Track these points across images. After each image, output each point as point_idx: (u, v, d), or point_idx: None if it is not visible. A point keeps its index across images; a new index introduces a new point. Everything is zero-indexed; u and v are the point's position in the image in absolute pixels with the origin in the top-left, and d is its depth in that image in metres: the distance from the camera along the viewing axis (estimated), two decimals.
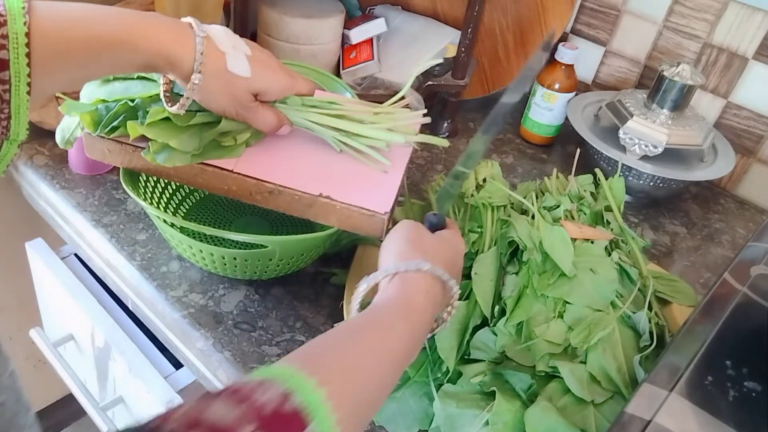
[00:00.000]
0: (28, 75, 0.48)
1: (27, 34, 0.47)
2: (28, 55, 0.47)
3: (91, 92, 0.64)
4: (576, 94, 1.00)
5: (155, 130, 0.60)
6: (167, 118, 0.60)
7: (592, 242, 0.66)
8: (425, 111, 0.68)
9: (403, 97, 0.68)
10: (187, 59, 0.55)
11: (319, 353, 0.40)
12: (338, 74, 1.00)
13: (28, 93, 0.48)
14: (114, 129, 0.62)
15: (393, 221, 0.63)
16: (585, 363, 0.57)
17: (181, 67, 0.56)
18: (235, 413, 0.31)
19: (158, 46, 0.54)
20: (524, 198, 0.71)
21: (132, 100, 0.62)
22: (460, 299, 0.62)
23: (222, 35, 0.58)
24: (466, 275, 0.64)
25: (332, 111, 0.65)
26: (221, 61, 0.58)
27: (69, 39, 0.51)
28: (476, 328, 0.60)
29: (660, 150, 0.87)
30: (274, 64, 0.62)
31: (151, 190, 0.73)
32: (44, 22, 0.49)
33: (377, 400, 0.43)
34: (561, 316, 0.60)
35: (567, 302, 0.60)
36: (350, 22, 1.04)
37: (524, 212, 0.70)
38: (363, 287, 0.50)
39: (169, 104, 0.60)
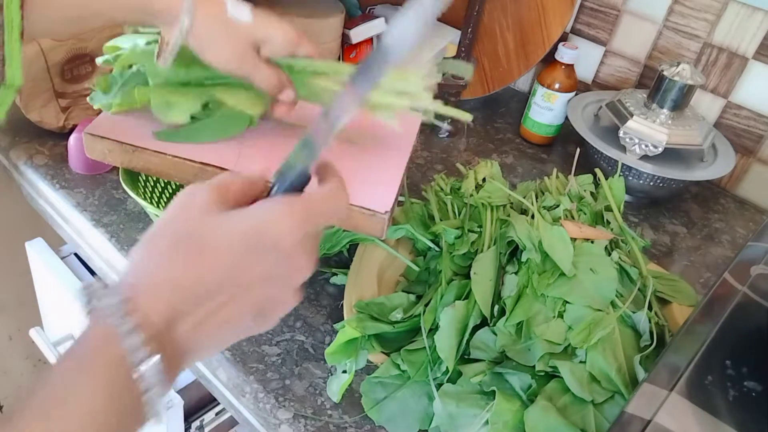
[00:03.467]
0: (21, 18, 0.47)
1: None
2: None
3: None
4: (576, 94, 1.00)
5: (160, 91, 0.60)
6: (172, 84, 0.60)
7: (592, 242, 0.66)
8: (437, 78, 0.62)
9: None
10: (176, 2, 0.53)
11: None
12: None
13: (21, 37, 0.48)
14: (125, 94, 0.63)
15: (393, 221, 0.63)
16: (585, 363, 0.57)
17: (172, 11, 0.53)
18: None
19: None
20: (524, 198, 0.71)
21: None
22: (459, 298, 0.62)
23: None
24: (464, 275, 0.64)
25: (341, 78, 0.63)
26: (219, 5, 0.55)
27: None
28: (476, 328, 0.60)
29: (660, 150, 0.87)
30: (279, 18, 0.59)
31: (150, 189, 0.73)
32: None
33: None
34: (561, 315, 0.60)
35: (567, 302, 0.60)
36: (350, 21, 1.04)
37: (524, 212, 0.70)
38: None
39: (158, 57, 0.58)
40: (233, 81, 0.62)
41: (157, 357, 0.30)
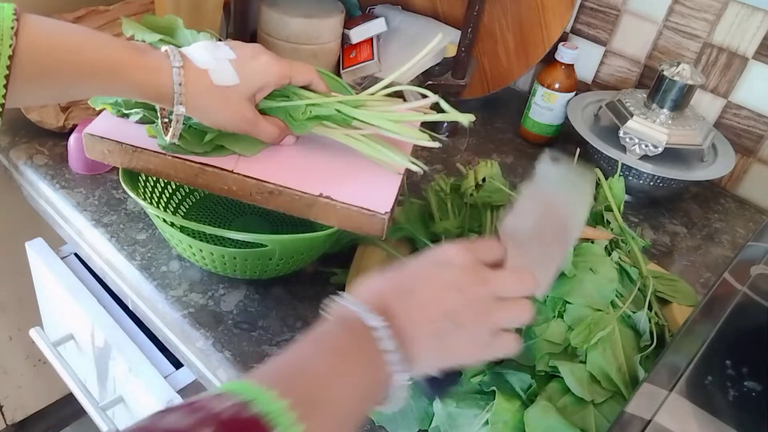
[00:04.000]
0: (4, 96, 0.48)
1: (10, 57, 0.48)
2: (7, 77, 0.48)
3: None
4: (576, 94, 1.00)
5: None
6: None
7: (592, 242, 0.66)
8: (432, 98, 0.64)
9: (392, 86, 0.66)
10: (167, 90, 0.55)
11: (278, 369, 0.38)
12: (338, 74, 1.00)
13: (2, 108, 0.49)
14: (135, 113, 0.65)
15: (393, 221, 0.63)
16: (585, 363, 0.57)
17: (167, 98, 0.56)
18: (191, 419, 0.31)
19: (143, 79, 0.55)
20: None
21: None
22: None
23: (201, 52, 0.58)
24: None
25: (339, 118, 0.64)
26: (205, 80, 0.57)
27: (57, 61, 0.51)
28: None
29: (660, 150, 0.87)
30: (263, 56, 0.61)
31: (150, 189, 0.73)
32: (37, 38, 0.50)
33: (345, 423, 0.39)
34: (561, 315, 0.60)
35: (567, 302, 0.60)
36: (350, 21, 1.04)
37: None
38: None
39: (166, 134, 0.61)
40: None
41: (397, 353, 0.41)
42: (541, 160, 0.52)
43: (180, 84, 0.55)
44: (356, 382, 0.40)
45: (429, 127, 0.66)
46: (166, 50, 0.56)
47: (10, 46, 0.47)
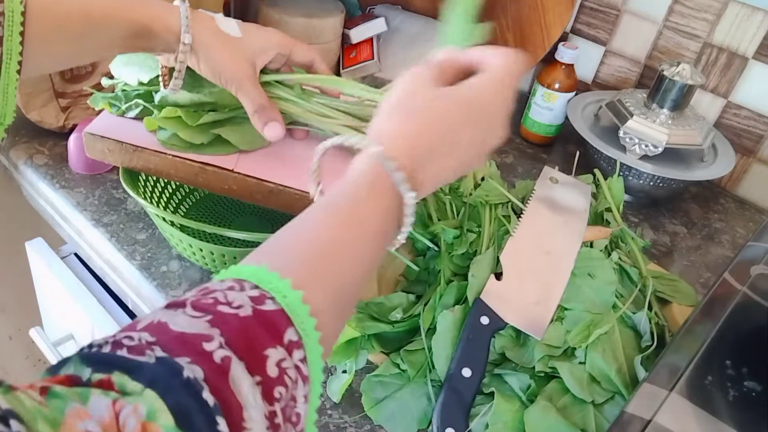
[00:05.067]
0: (20, 54, 0.48)
1: (23, 13, 0.47)
2: (21, 33, 0.48)
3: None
4: (576, 94, 1.00)
5: (169, 122, 0.62)
6: (180, 117, 0.62)
7: (591, 245, 0.66)
8: None
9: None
10: (175, 23, 0.56)
11: (288, 247, 0.37)
12: (338, 74, 1.01)
13: (18, 72, 0.48)
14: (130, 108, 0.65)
15: None
16: (584, 364, 0.57)
17: (174, 31, 0.56)
18: (204, 322, 0.29)
19: (148, 17, 0.55)
20: (523, 197, 0.71)
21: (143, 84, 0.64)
22: (458, 300, 0.62)
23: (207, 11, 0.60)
24: (463, 275, 0.64)
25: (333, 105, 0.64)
26: (211, 22, 0.59)
27: (66, 13, 0.51)
28: None
29: (660, 150, 0.87)
30: (266, 28, 0.63)
31: (150, 189, 0.73)
32: None
33: (355, 290, 0.39)
34: (560, 320, 0.60)
35: (566, 308, 0.60)
36: (350, 21, 1.04)
37: (523, 212, 0.70)
38: (315, 158, 0.46)
39: (165, 86, 0.61)
40: (237, 115, 0.63)
41: (406, 186, 0.41)
42: None
43: (187, 17, 0.56)
44: (371, 232, 0.40)
45: None
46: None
47: (21, 2, 0.47)
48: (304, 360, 0.32)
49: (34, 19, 0.49)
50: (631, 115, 0.89)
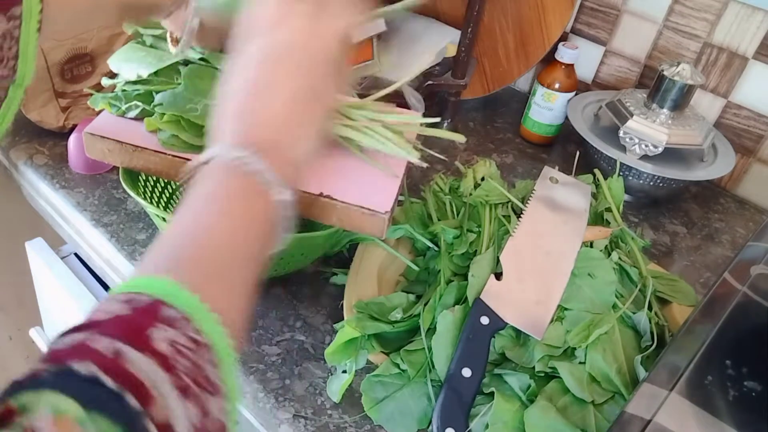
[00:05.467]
0: (40, 12, 0.47)
1: None
2: None
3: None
4: (576, 94, 1.00)
5: (169, 125, 0.61)
6: (179, 119, 0.62)
7: (591, 245, 0.66)
8: (422, 115, 0.66)
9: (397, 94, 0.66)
10: None
11: (176, 253, 0.38)
12: None
13: (38, 30, 0.48)
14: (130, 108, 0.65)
15: (393, 221, 0.63)
16: (584, 364, 0.57)
17: None
18: (89, 332, 0.30)
19: None
20: (523, 197, 0.71)
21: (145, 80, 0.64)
22: (458, 300, 0.62)
23: None
24: (463, 275, 0.64)
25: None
26: None
27: None
28: None
29: (660, 150, 0.87)
30: None
31: (150, 189, 0.73)
32: None
33: (248, 287, 0.40)
34: (560, 320, 0.60)
35: (566, 309, 0.60)
36: None
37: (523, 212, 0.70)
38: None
39: (174, 47, 0.60)
40: None
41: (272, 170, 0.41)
42: None
43: None
44: (253, 231, 0.40)
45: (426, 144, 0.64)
46: None
47: None
48: (198, 331, 0.33)
49: None
50: (631, 115, 0.89)
